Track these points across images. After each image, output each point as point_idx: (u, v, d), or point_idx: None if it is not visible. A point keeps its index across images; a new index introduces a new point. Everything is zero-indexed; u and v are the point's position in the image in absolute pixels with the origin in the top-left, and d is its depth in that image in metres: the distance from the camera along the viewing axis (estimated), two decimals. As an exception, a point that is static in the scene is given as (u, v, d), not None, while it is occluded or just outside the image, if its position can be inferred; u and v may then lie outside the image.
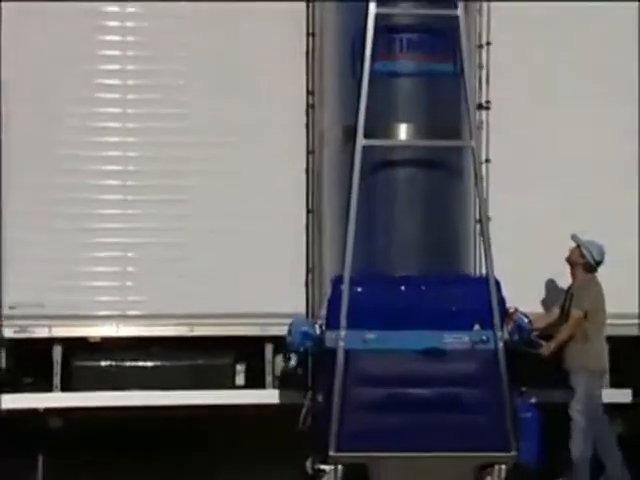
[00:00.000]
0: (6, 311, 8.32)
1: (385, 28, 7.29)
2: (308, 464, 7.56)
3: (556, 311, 7.99)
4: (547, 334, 7.86)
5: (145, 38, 9.13)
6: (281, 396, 8.56)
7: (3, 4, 8.62)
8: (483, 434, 7.13)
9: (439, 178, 7.75)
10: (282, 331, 7.75)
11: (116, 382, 8.60)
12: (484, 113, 8.36)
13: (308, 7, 8.72)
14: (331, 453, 6.97)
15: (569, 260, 7.92)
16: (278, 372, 8.67)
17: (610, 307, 7.98)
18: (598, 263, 7.81)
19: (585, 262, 7.80)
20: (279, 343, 8.32)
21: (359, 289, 7.09)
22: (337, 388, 6.94)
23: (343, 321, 6.98)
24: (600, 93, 8.89)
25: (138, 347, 8.76)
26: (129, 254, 8.68)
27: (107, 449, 9.37)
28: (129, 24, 9.21)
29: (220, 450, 9.37)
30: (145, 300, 8.64)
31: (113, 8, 9.10)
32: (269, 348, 8.62)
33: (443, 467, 7.17)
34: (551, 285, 8.43)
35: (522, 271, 8.00)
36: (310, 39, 8.60)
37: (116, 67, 8.90)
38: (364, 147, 6.98)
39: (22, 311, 8.39)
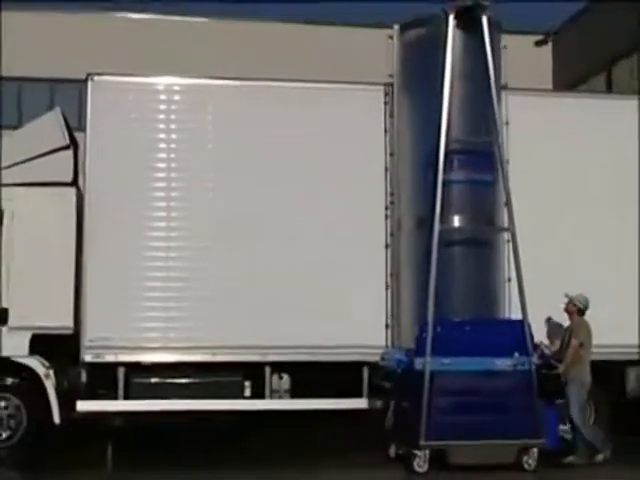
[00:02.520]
0: (86, 343, 10.83)
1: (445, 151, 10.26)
2: (391, 450, 10.39)
3: (557, 343, 10.75)
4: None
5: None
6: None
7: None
8: (521, 427, 9.89)
9: (482, 252, 10.65)
10: (281, 358, 10.88)
11: (161, 393, 10.99)
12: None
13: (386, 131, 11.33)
14: (421, 442, 9.63)
15: (566, 309, 10.65)
16: (274, 387, 11.21)
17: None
18: (586, 308, 10.62)
19: (578, 309, 10.60)
20: (275, 366, 11.10)
21: (438, 329, 9.85)
22: (425, 397, 9.64)
23: (428, 351, 9.76)
24: None
25: (176, 368, 11.11)
26: (171, 304, 10.94)
27: (155, 441, 12.12)
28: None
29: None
30: (183, 336, 10.94)
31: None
32: (268, 369, 11.10)
33: (496, 449, 9.87)
34: (554, 326, 11.07)
35: (536, 317, 10.39)
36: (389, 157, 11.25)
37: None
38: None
39: (97, 343, 10.81)
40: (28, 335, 10.87)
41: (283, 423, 12.02)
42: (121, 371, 10.95)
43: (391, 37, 11.18)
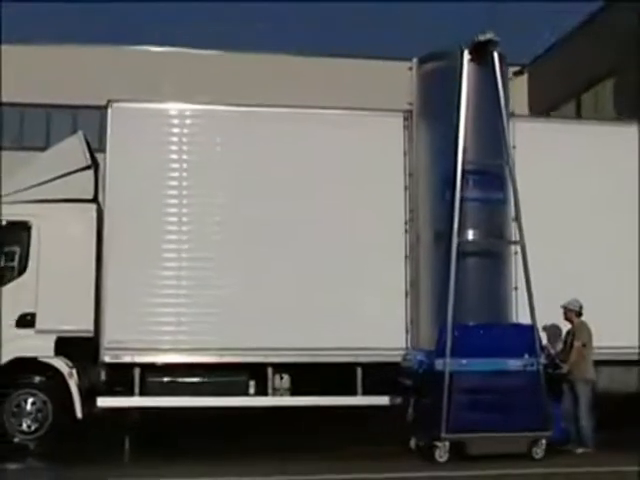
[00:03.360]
0: (105, 345, 11.45)
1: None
2: (412, 442, 11.03)
3: (560, 345, 11.57)
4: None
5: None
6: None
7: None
8: (531, 421, 10.60)
9: (493, 263, 11.39)
10: (280, 359, 11.52)
11: (174, 390, 11.63)
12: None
13: (406, 153, 12.10)
14: (442, 435, 10.37)
15: (566, 317, 11.50)
16: (276, 386, 11.88)
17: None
18: (581, 308, 11.43)
19: (575, 312, 11.44)
20: (275, 367, 11.71)
21: (456, 333, 10.60)
22: (445, 394, 10.37)
23: (448, 353, 10.50)
24: None
25: (187, 368, 11.72)
26: (182, 309, 11.57)
27: (169, 433, 12.58)
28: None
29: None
30: (193, 339, 11.56)
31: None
32: (270, 369, 11.73)
33: (508, 441, 10.55)
34: (551, 329, 11.79)
35: (542, 322, 11.20)
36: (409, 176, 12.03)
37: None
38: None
39: (115, 345, 11.41)
40: (53, 338, 11.45)
41: (292, 422, 12.43)
42: (137, 371, 11.56)
43: (410, 68, 11.90)
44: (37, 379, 11.55)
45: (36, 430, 11.47)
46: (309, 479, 9.82)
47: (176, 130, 12.00)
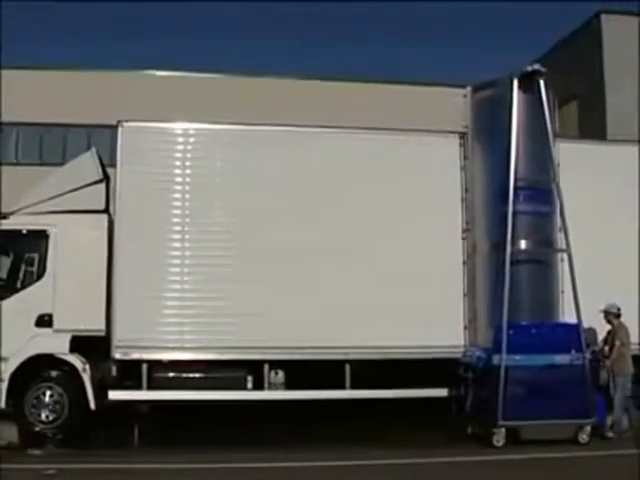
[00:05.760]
0: (116, 343, 12.16)
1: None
2: (469, 429, 11.91)
3: (600, 343, 12.39)
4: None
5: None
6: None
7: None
8: (577, 409, 11.50)
9: (542, 269, 12.29)
10: (277, 357, 12.17)
11: (178, 385, 12.29)
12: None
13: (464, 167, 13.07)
14: (500, 422, 11.35)
15: (606, 319, 12.40)
16: (272, 381, 12.53)
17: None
18: (619, 310, 12.37)
19: (614, 315, 12.37)
20: (272, 363, 12.38)
21: (511, 332, 11.60)
22: (501, 386, 11.33)
23: (504, 349, 11.47)
24: None
25: (191, 365, 12.43)
26: (186, 311, 12.17)
27: (174, 424, 13.13)
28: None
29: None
30: (195, 338, 12.24)
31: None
32: (266, 366, 12.41)
33: (557, 427, 11.50)
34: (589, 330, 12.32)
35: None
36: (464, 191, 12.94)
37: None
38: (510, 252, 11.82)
39: (124, 343, 12.15)
40: (69, 336, 12.09)
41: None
42: (145, 367, 12.24)
43: (465, 95, 13.02)
44: (54, 374, 12.18)
45: (54, 420, 12.12)
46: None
47: (180, 147, 12.71)
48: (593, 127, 23.15)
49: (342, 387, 12.54)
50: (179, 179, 12.67)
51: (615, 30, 25.27)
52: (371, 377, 12.76)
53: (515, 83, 12.27)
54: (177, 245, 12.54)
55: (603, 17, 25.59)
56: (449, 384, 12.38)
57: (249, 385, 12.55)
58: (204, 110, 18.30)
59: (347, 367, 12.59)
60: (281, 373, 12.72)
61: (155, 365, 12.36)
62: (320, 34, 62.72)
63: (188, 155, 12.75)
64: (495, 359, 11.48)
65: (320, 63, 60.44)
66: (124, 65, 31.12)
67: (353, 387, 12.52)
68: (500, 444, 11.32)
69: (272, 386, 12.61)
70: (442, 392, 12.50)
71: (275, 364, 12.64)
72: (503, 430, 11.38)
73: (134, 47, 54.21)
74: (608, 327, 12.53)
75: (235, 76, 25.89)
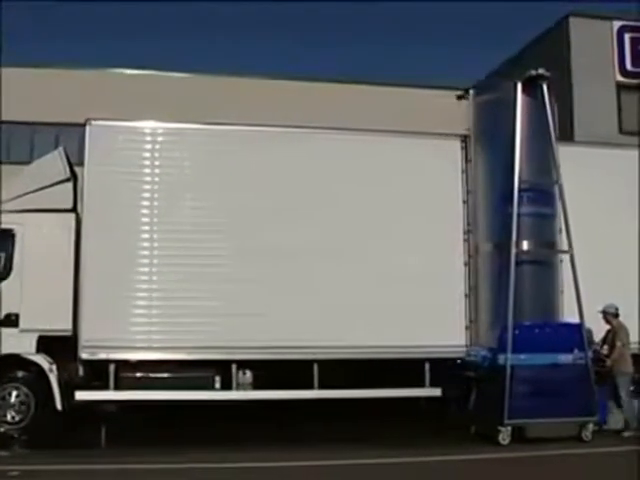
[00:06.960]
0: (83, 343, 12.02)
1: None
2: (473, 428, 11.99)
3: (599, 344, 12.55)
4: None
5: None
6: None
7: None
8: (580, 408, 11.67)
9: (544, 269, 12.42)
10: (247, 356, 12.08)
11: (146, 385, 12.16)
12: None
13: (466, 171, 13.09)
14: (505, 421, 11.48)
15: (605, 320, 12.59)
16: (240, 381, 12.34)
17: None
18: (617, 309, 12.55)
19: (612, 314, 12.53)
20: (241, 363, 12.31)
21: (516, 332, 11.72)
22: (507, 385, 11.49)
23: (509, 349, 11.62)
24: None
25: (159, 365, 12.30)
26: (154, 311, 12.09)
27: (141, 423, 13.26)
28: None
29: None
30: (163, 338, 12.13)
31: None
32: (234, 366, 12.34)
33: (561, 425, 11.68)
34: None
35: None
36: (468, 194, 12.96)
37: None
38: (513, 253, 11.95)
39: (91, 343, 12.00)
40: (35, 336, 12.00)
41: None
42: (112, 367, 12.13)
43: (463, 97, 13.22)
44: (20, 374, 12.09)
45: (20, 421, 12.04)
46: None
47: (149, 146, 12.64)
48: (561, 129, 23.14)
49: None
50: (148, 178, 12.61)
51: (583, 33, 25.43)
52: (357, 377, 12.78)
53: (519, 87, 12.49)
54: (145, 245, 12.48)
55: (571, 20, 25.74)
56: (445, 384, 12.55)
57: (217, 385, 12.50)
58: (176, 109, 18.41)
59: (315, 367, 12.56)
60: (249, 373, 12.68)
61: (123, 365, 12.27)
62: (320, 34, 62.65)
63: (157, 154, 12.69)
64: (501, 358, 11.64)
65: (320, 63, 60.68)
66: (94, 63, 30.98)
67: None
68: (506, 442, 11.47)
69: (240, 386, 12.55)
70: (436, 392, 12.66)
71: (244, 364, 12.60)
72: (509, 428, 11.54)
73: (133, 47, 54.00)
74: (605, 327, 12.70)
75: (213, 76, 25.97)
